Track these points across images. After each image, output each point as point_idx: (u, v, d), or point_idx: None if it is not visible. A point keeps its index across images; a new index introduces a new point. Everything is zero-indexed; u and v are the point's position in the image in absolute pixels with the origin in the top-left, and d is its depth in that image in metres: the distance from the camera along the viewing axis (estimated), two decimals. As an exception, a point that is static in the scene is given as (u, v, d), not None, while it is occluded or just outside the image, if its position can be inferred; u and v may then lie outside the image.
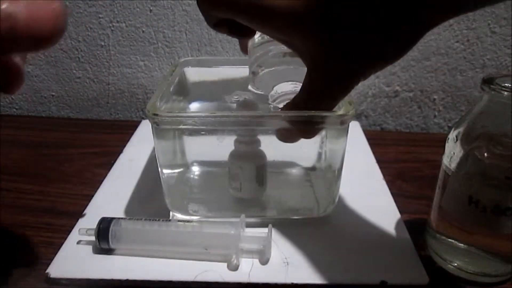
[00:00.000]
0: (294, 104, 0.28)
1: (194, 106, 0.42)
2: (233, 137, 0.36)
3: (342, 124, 0.31)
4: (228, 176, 0.38)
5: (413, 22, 0.22)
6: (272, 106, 0.33)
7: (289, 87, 0.32)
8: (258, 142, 0.37)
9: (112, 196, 0.41)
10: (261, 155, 0.37)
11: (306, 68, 0.26)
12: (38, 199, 0.42)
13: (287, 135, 0.30)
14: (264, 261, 0.32)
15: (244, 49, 0.33)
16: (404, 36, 0.23)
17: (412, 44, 0.24)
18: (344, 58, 0.24)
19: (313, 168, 0.43)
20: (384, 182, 0.43)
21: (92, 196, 0.41)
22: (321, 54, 0.24)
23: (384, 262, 0.33)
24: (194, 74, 0.43)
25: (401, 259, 0.33)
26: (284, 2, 0.23)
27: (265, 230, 0.33)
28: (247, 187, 0.37)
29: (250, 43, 0.33)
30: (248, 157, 0.36)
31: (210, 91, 0.38)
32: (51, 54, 0.60)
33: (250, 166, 0.36)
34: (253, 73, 0.32)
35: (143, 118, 0.62)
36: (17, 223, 0.38)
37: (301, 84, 0.28)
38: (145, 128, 0.55)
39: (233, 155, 0.37)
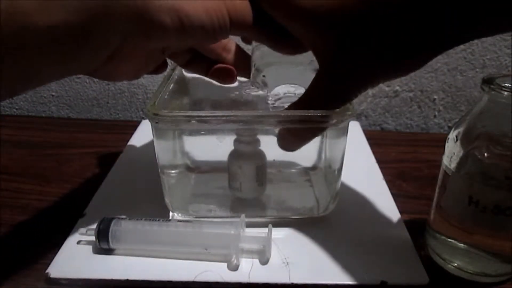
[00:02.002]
0: (300, 102, 0.28)
1: (194, 105, 0.42)
2: (233, 137, 0.36)
3: (342, 124, 0.31)
4: (228, 176, 0.38)
5: (427, 47, 0.24)
6: (271, 106, 0.33)
7: (291, 89, 0.31)
8: (258, 142, 0.37)
9: (112, 196, 0.41)
10: (261, 155, 0.37)
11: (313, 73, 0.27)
12: (38, 199, 0.42)
13: (288, 142, 0.30)
14: (264, 261, 0.32)
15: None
16: (416, 57, 0.24)
17: (423, 64, 0.25)
18: (357, 65, 0.25)
19: (313, 168, 0.43)
20: (384, 182, 0.43)
21: (92, 196, 0.41)
22: (335, 55, 0.25)
23: (384, 262, 0.33)
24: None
25: (401, 259, 0.33)
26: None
27: (265, 230, 0.33)
28: (247, 187, 0.37)
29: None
30: (248, 157, 0.36)
31: (210, 90, 0.37)
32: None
33: (250, 166, 0.36)
34: (256, 70, 0.32)
35: (143, 118, 0.62)
36: (17, 223, 0.38)
37: (302, 88, 0.28)
38: (145, 128, 0.55)
39: (233, 155, 0.37)
